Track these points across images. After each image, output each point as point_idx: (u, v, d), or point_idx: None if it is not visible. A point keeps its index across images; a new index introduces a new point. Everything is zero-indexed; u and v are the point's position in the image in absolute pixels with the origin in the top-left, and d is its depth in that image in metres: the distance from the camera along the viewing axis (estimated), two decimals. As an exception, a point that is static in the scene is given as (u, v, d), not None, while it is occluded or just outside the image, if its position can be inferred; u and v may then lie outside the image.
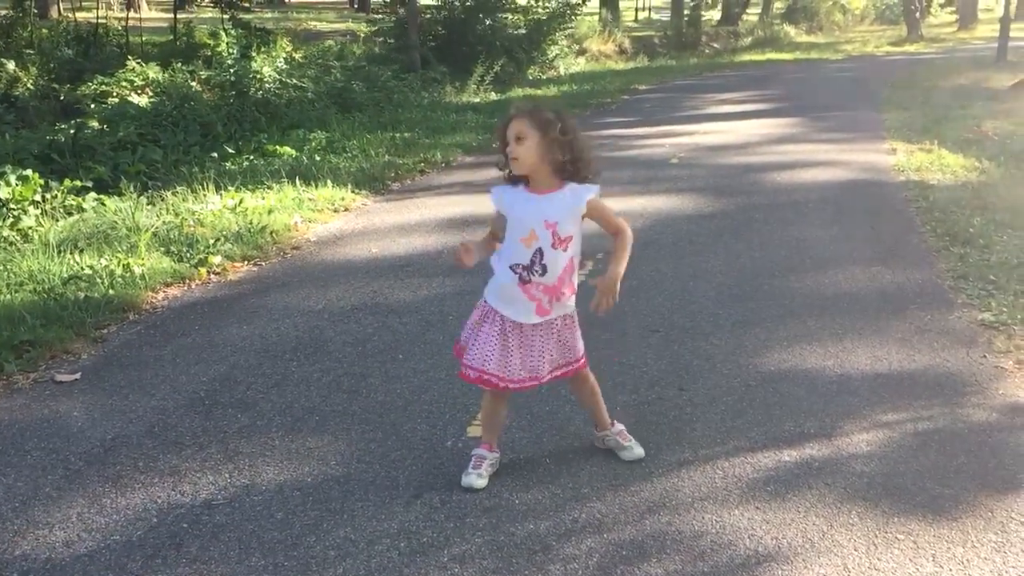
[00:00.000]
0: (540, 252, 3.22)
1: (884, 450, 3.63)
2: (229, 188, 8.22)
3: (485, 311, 3.36)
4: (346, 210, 8.08)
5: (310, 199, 8.11)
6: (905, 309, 5.21)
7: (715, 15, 37.06)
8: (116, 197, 7.83)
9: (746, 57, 26.74)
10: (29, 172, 7.58)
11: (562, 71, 20.52)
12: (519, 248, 3.25)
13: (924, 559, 2.94)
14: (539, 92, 17.03)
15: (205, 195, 7.96)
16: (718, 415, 3.97)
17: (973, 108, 13.51)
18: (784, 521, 3.16)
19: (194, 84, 12.56)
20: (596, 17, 28.11)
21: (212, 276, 6.11)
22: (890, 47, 29.83)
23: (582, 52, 24.09)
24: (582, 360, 3.49)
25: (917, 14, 33.92)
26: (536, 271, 3.24)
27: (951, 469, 3.48)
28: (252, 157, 9.99)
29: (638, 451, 3.59)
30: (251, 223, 7.10)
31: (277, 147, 10.28)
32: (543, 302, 3.29)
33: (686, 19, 31.06)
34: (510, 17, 19.75)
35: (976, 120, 12.23)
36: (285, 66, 13.46)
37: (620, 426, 3.66)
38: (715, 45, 29.62)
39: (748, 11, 37.72)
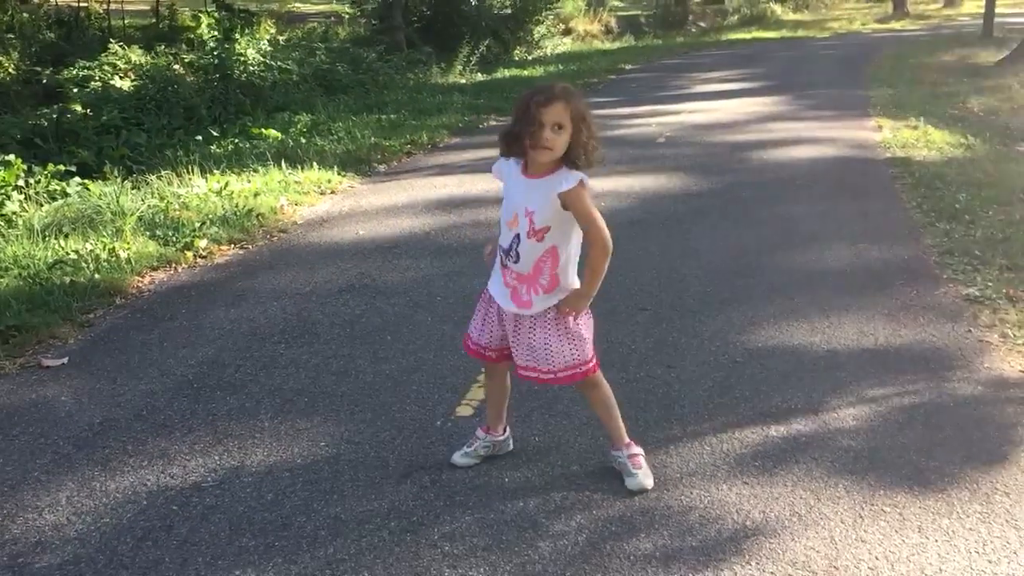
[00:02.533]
0: (517, 238, 3.06)
1: (870, 424, 3.66)
2: (214, 171, 8.18)
3: (481, 292, 3.34)
4: (332, 192, 8.05)
5: (296, 182, 8.08)
6: (891, 285, 5.23)
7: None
8: (100, 181, 7.80)
9: (732, 36, 26.69)
10: (11, 157, 7.54)
11: (548, 51, 20.48)
12: (505, 229, 3.12)
13: (910, 530, 2.97)
14: (525, 72, 16.98)
15: (190, 179, 7.92)
16: (706, 391, 3.99)
17: (959, 85, 13.55)
18: (772, 495, 3.18)
19: (177, 67, 12.48)
20: (582, -4, 27.99)
21: (198, 260, 6.08)
22: (876, 24, 29.83)
23: (568, 32, 24.04)
24: (583, 368, 3.17)
25: (903, -9, 33.91)
26: (511, 257, 3.09)
27: (936, 442, 3.51)
28: (237, 140, 9.96)
29: (644, 482, 3.23)
30: (237, 206, 7.07)
31: (262, 130, 10.24)
32: (520, 291, 3.11)
33: (672, -2, 30.99)
34: (495, -3, 19.69)
35: (962, 97, 12.27)
36: (269, 48, 13.39)
37: (637, 449, 3.32)
38: (701, 24, 29.58)
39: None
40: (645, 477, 3.25)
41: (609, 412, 3.31)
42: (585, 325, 3.19)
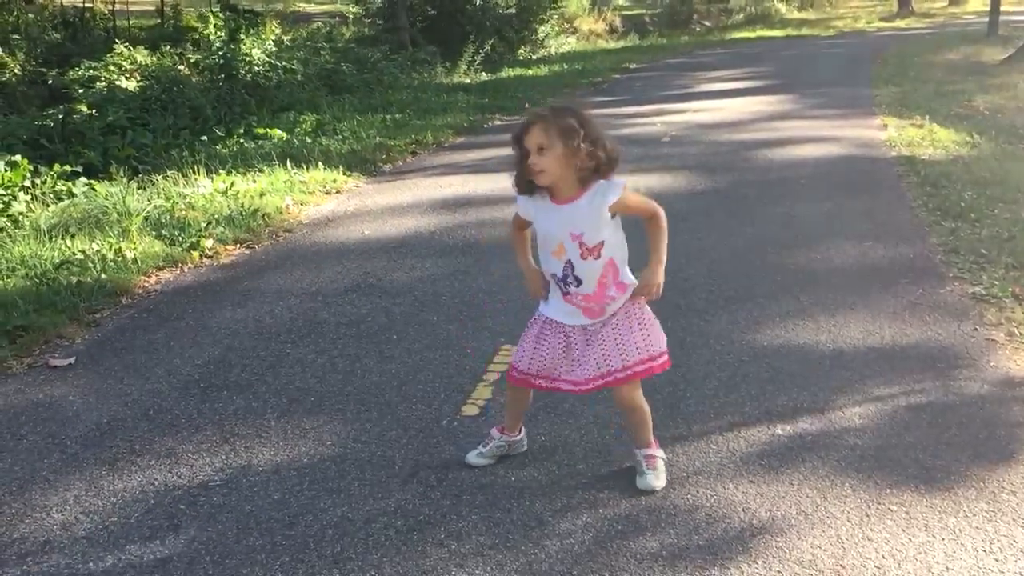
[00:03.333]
0: (571, 264, 3.06)
1: (877, 423, 3.66)
2: (220, 171, 8.20)
3: (534, 317, 3.27)
4: (338, 192, 8.06)
5: (301, 181, 8.10)
6: (897, 283, 5.23)
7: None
8: (106, 182, 7.83)
9: (737, 34, 26.67)
10: (18, 158, 7.56)
11: (552, 51, 20.47)
12: (552, 260, 3.11)
13: (917, 529, 2.97)
14: (530, 72, 16.98)
15: (196, 179, 7.94)
16: (712, 390, 3.99)
17: (964, 83, 13.52)
18: (778, 494, 3.18)
19: (183, 68, 12.50)
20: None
21: (205, 259, 6.10)
22: (881, 23, 29.78)
23: (572, 31, 24.01)
24: (660, 360, 3.19)
25: (908, -11, 33.84)
26: (571, 283, 3.08)
27: (943, 441, 3.51)
28: (242, 140, 9.97)
29: (653, 482, 3.24)
30: (243, 206, 7.08)
31: (267, 130, 10.25)
32: (591, 308, 3.13)
33: (677, -3, 30.96)
34: (500, -3, 19.69)
35: (967, 95, 12.24)
36: (274, 48, 13.40)
37: (656, 451, 3.33)
38: (706, 23, 29.55)
39: (739, -12, 37.57)
40: (655, 478, 3.25)
41: (646, 423, 3.30)
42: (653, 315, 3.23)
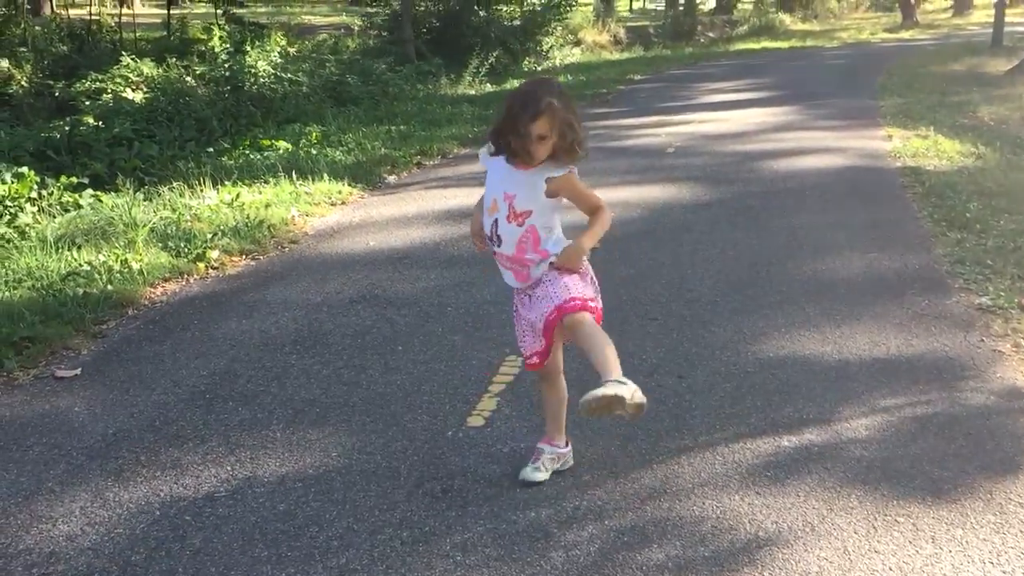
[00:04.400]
0: (496, 223, 3.19)
1: (883, 434, 3.65)
2: (225, 183, 8.21)
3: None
4: (343, 203, 8.08)
5: (307, 193, 8.11)
6: (903, 294, 5.22)
7: (710, 3, 37.01)
8: (113, 193, 7.85)
9: (741, 46, 26.71)
10: (25, 169, 7.58)
11: (557, 62, 20.50)
12: (486, 215, 3.25)
13: (923, 541, 2.96)
14: (534, 83, 16.98)
15: (202, 190, 7.96)
16: (717, 402, 3.98)
17: (969, 94, 13.52)
18: (784, 506, 3.18)
19: (189, 79, 12.54)
20: (590, 8, 28.06)
21: (210, 271, 6.11)
22: (885, 34, 29.82)
23: (577, 43, 24.05)
24: (580, 303, 3.09)
25: (912, 0, 33.90)
26: (494, 240, 3.22)
27: (950, 452, 3.50)
28: (248, 152, 9.99)
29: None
30: (248, 217, 7.10)
31: (273, 141, 10.28)
32: (516, 269, 3.24)
33: (681, 8, 31.06)
34: (505, 8, 19.74)
35: (972, 106, 12.25)
36: (280, 60, 13.44)
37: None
38: (710, 34, 29.60)
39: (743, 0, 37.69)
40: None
41: (600, 352, 3.06)
42: (588, 281, 3.23)
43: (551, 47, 20.75)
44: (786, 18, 33.83)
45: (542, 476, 3.37)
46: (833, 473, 3.37)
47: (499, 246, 3.21)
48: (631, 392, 2.91)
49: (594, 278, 3.28)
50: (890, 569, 2.82)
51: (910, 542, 2.96)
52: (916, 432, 3.66)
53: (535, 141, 3.04)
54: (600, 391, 2.89)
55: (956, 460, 3.44)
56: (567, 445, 3.47)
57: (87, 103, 12.04)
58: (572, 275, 3.17)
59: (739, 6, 36.01)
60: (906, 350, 4.47)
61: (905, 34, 29.28)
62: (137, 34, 18.17)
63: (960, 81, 15.25)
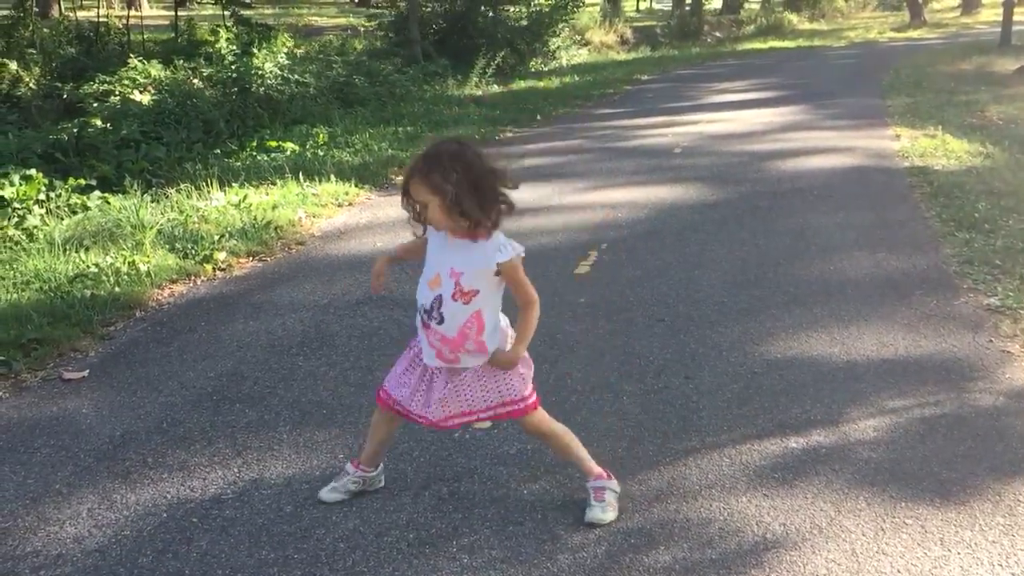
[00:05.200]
0: (440, 299, 2.95)
1: (891, 436, 3.64)
2: (233, 184, 8.23)
3: (412, 342, 3.19)
4: (350, 205, 8.08)
5: (314, 194, 8.12)
6: (911, 295, 5.20)
7: (716, 4, 36.97)
8: (120, 195, 7.85)
9: (748, 45, 26.68)
10: (33, 171, 7.60)
11: (564, 62, 20.50)
12: (425, 289, 3.02)
13: (932, 543, 2.94)
14: (541, 84, 17.02)
15: (209, 192, 7.97)
16: (724, 403, 3.97)
17: (977, 93, 13.49)
18: (792, 507, 3.17)
19: (196, 81, 12.57)
20: (597, 8, 28.05)
21: (217, 272, 6.12)
22: (893, 33, 29.75)
23: (584, 43, 24.05)
24: (521, 405, 3.07)
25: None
26: (434, 317, 2.97)
27: (958, 454, 3.49)
28: (255, 153, 10.00)
29: (602, 515, 3.11)
30: (255, 219, 7.11)
31: (280, 143, 10.29)
32: (443, 351, 3.01)
33: (688, 8, 31.03)
34: (511, 9, 19.73)
35: (980, 105, 12.21)
36: (287, 62, 13.45)
37: (602, 482, 3.20)
38: (717, 34, 29.58)
39: (750, -1, 37.65)
40: (603, 511, 3.13)
41: (568, 447, 3.20)
42: (524, 364, 3.09)
43: (558, 47, 20.75)
44: (793, 18, 33.79)
45: (337, 497, 3.29)
46: (841, 475, 3.36)
47: (439, 324, 2.96)
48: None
49: (527, 357, 3.10)
50: (898, 571, 2.81)
51: (918, 544, 2.94)
52: (924, 433, 3.65)
53: (422, 206, 2.88)
54: (609, 517, 3.13)
55: (965, 462, 3.42)
56: (378, 468, 3.35)
57: (95, 105, 12.06)
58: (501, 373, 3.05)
59: (746, 6, 35.95)
60: (914, 351, 4.45)
61: (913, 33, 29.20)
62: (145, 36, 18.21)
63: (968, 80, 15.20)
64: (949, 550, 2.91)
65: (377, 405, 3.25)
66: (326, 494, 3.32)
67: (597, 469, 3.22)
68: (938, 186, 7.69)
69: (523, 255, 2.99)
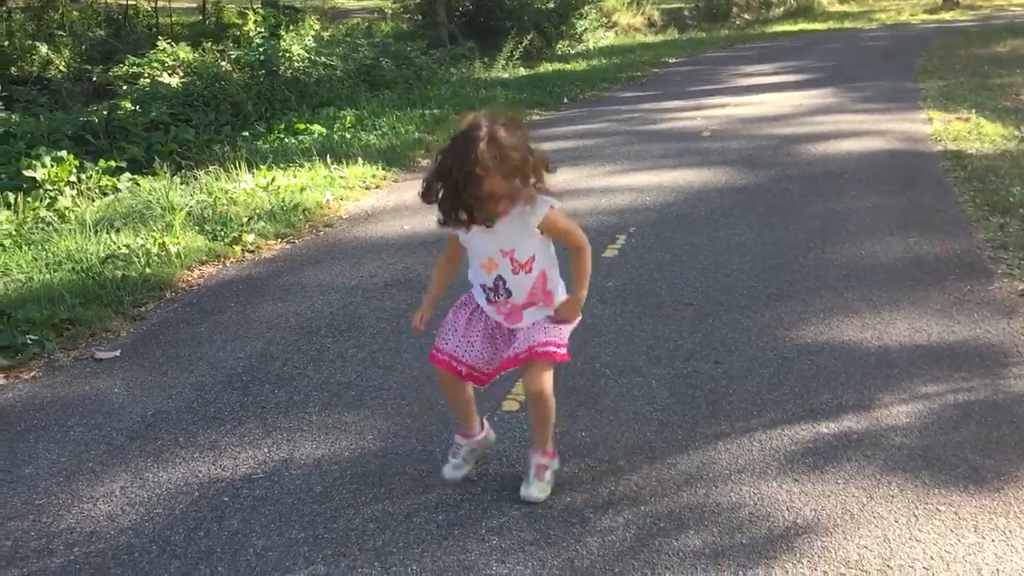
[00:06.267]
0: (501, 279, 3.03)
1: (924, 422, 3.59)
2: (261, 167, 8.26)
3: (464, 299, 3.19)
4: (377, 187, 8.09)
5: (341, 177, 8.14)
6: (944, 280, 5.14)
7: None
8: (150, 177, 7.92)
9: (778, 28, 26.38)
10: (64, 153, 7.67)
11: (591, 45, 20.39)
12: (481, 273, 3.07)
13: (966, 530, 2.91)
14: (568, 67, 16.93)
15: (237, 174, 8.01)
16: (754, 387, 3.94)
17: (1012, 76, 13.26)
18: (823, 493, 3.14)
19: (224, 64, 12.61)
20: (625, -10, 27.83)
21: (246, 254, 6.15)
22: (925, 15, 29.28)
23: (611, 26, 23.89)
24: (560, 349, 3.05)
25: (953, -19, 33.25)
26: (501, 294, 3.05)
27: (992, 440, 3.44)
28: (283, 136, 10.04)
29: (534, 493, 3.15)
30: (283, 201, 7.13)
31: (307, 125, 10.31)
32: (512, 315, 3.09)
33: (716, -10, 30.67)
34: (539, -9, 19.64)
35: (1015, 88, 12.00)
36: (314, 44, 13.47)
37: (550, 461, 3.21)
38: (746, 16, 29.25)
39: (779, -19, 37.17)
40: (538, 490, 3.15)
41: (551, 423, 3.19)
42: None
43: (584, 30, 20.63)
44: (823, -1, 33.35)
45: (462, 473, 3.28)
46: (873, 461, 3.33)
47: (508, 297, 3.05)
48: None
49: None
50: (931, 558, 2.78)
51: (952, 531, 2.91)
52: (958, 420, 3.60)
53: (490, 200, 2.78)
54: (543, 495, 3.16)
55: (999, 448, 3.38)
56: (484, 427, 3.35)
57: (124, 88, 12.16)
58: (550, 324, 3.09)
59: (775, -12, 35.51)
60: (948, 336, 4.40)
61: (945, 15, 28.72)
62: (173, 19, 18.30)
63: (1002, 63, 14.94)
64: (983, 537, 2.87)
65: (439, 370, 3.16)
66: (449, 471, 3.27)
67: (552, 448, 3.22)
68: (972, 170, 7.57)
69: (559, 205, 2.97)
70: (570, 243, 3.05)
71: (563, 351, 3.08)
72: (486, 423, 3.40)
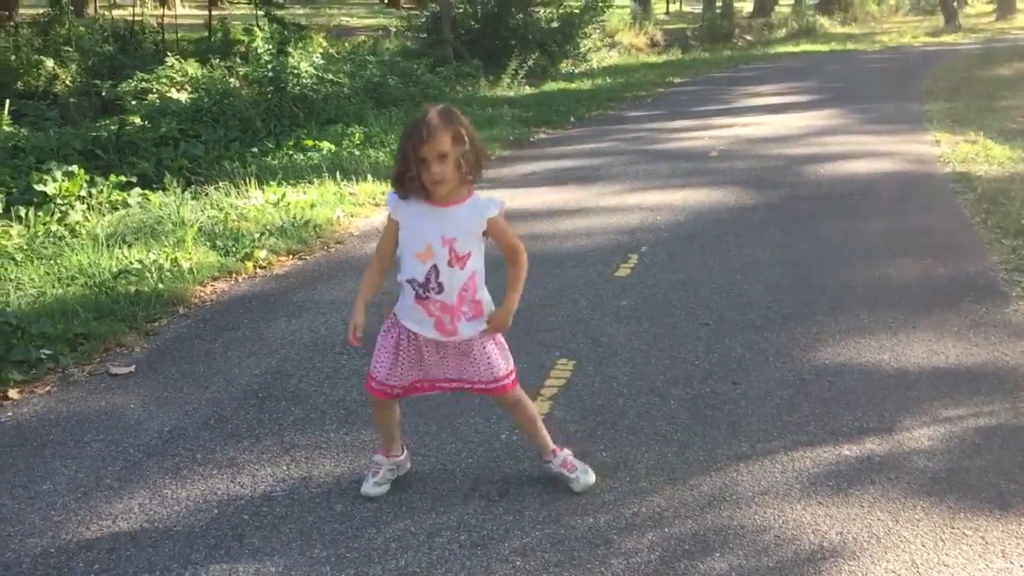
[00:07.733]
0: (435, 269, 3.04)
1: (946, 445, 3.58)
2: (270, 183, 8.25)
3: (390, 323, 3.23)
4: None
5: (351, 193, 8.14)
6: (959, 302, 5.13)
7: (747, 7, 36.77)
8: (160, 192, 7.91)
9: (780, 49, 26.49)
10: (74, 168, 7.67)
11: (595, 64, 20.44)
12: (414, 263, 3.07)
13: (994, 555, 2.89)
14: (573, 85, 16.99)
15: (247, 190, 8.00)
16: (773, 409, 3.93)
17: (1016, 98, 13.31)
18: (848, 516, 3.12)
19: (232, 80, 12.64)
20: (627, 10, 27.98)
21: (258, 270, 6.14)
22: (927, 38, 29.44)
23: (614, 45, 23.99)
24: (503, 383, 3.20)
25: (954, 3, 33.48)
26: (432, 288, 3.06)
27: (1016, 464, 3.42)
28: (292, 152, 10.04)
29: (585, 479, 3.31)
30: (294, 217, 7.13)
31: (316, 142, 10.32)
32: (443, 320, 3.09)
33: (718, 11, 30.87)
34: (542, 11, 19.71)
35: (1021, 111, 12.04)
36: (321, 61, 13.50)
37: (564, 453, 3.35)
38: (748, 37, 29.40)
39: (781, 2, 37.42)
40: (584, 474, 3.32)
41: (533, 428, 3.34)
42: (500, 346, 3.26)
43: (588, 49, 20.70)
44: (825, 21, 33.53)
45: (381, 491, 3.33)
46: (897, 484, 3.31)
47: (439, 293, 3.06)
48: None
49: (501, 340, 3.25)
50: (961, 583, 2.76)
51: (980, 556, 2.89)
52: (980, 443, 3.58)
53: (435, 161, 2.90)
54: (591, 478, 3.33)
55: (1023, 472, 3.36)
56: (403, 451, 3.43)
57: (133, 103, 12.18)
58: (494, 341, 3.19)
59: (777, 9, 35.73)
60: (966, 359, 4.38)
61: (947, 38, 28.89)
62: (179, 35, 18.36)
63: (1007, 86, 15.01)
64: (1012, 562, 2.85)
65: (374, 398, 3.28)
66: (370, 488, 3.34)
67: (557, 445, 3.38)
68: (981, 192, 7.58)
69: (505, 205, 3.13)
70: (510, 244, 3.13)
71: (512, 378, 3.23)
72: (406, 448, 3.46)
